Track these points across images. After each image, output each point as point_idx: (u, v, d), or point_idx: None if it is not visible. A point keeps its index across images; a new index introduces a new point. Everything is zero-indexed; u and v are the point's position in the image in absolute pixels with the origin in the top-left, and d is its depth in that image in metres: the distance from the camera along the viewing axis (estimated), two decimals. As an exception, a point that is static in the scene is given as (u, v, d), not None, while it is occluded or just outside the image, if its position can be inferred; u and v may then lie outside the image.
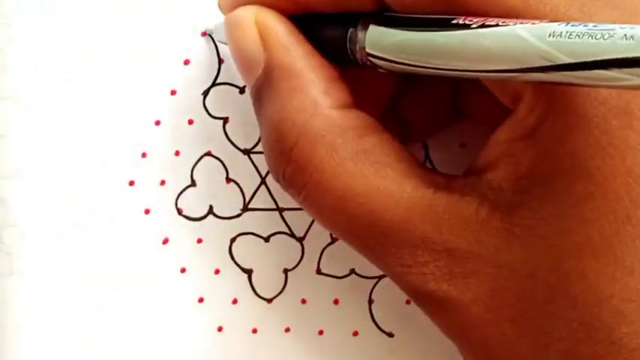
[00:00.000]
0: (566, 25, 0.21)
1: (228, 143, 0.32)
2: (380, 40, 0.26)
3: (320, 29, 0.27)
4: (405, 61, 0.25)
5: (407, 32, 0.25)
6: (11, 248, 0.31)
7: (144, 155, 0.32)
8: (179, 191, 0.32)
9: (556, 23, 0.22)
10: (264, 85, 0.27)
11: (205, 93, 0.32)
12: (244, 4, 0.28)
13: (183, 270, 0.32)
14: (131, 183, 0.32)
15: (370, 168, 0.26)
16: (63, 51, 0.31)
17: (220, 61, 0.32)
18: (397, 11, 0.26)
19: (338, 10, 0.27)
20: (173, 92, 0.32)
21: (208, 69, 0.32)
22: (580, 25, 0.21)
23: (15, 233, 0.31)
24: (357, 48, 0.26)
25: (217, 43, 0.32)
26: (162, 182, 0.32)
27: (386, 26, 0.25)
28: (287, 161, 0.26)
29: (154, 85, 0.32)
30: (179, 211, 0.32)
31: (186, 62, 0.32)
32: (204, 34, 0.32)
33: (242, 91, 0.32)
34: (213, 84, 0.32)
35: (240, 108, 0.32)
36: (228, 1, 0.29)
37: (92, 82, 0.31)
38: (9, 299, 0.31)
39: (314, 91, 0.26)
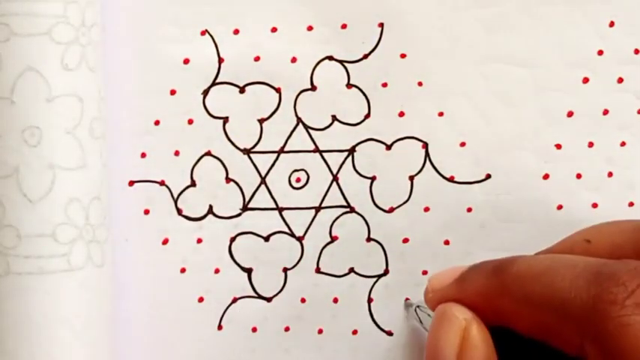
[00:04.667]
0: None
1: (228, 143, 0.32)
2: None
3: (516, 352, 0.26)
4: None
5: None
6: (7, 249, 0.31)
7: (144, 155, 0.32)
8: (179, 191, 0.32)
9: None
10: None
11: (205, 92, 0.32)
12: (451, 300, 0.28)
13: (183, 270, 0.32)
14: (131, 183, 0.32)
15: None
16: (62, 50, 0.31)
17: (220, 61, 0.32)
18: None
19: (537, 338, 0.26)
20: (173, 92, 0.32)
21: (208, 68, 0.32)
22: None
23: (11, 233, 0.31)
24: None
25: (419, 315, 0.32)
26: (163, 182, 0.32)
27: None
28: None
29: (154, 85, 0.31)
30: (179, 211, 0.32)
31: (186, 62, 0.32)
32: (203, 33, 0.32)
33: (242, 90, 0.32)
34: (213, 83, 0.32)
35: (240, 108, 0.32)
36: (437, 297, 0.28)
37: (91, 81, 0.31)
38: (4, 300, 0.31)
39: None
